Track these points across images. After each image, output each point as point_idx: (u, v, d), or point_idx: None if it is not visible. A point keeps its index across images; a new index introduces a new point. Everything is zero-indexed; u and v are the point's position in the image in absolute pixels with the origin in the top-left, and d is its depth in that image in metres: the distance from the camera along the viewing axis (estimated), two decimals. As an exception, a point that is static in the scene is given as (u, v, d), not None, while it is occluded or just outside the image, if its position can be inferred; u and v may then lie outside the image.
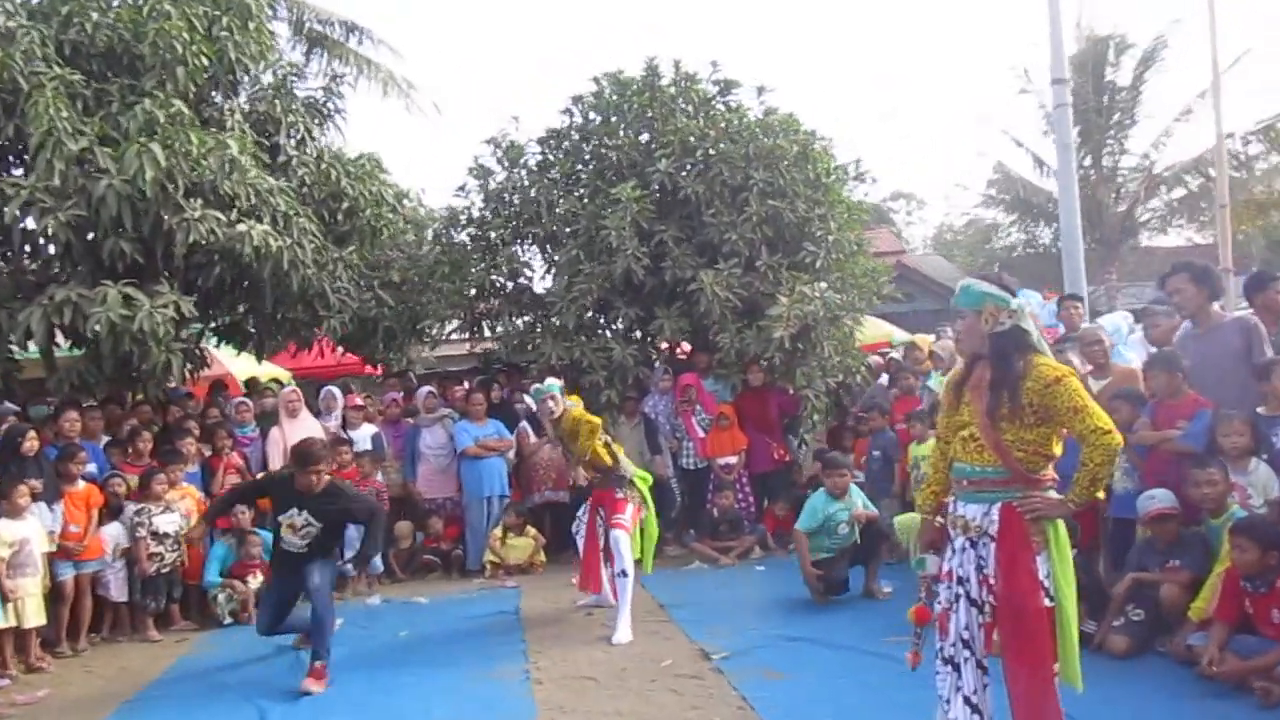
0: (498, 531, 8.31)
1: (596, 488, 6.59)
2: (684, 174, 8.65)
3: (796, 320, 8.21)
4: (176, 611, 7.09)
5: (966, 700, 3.45)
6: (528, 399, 7.35)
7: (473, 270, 9.25)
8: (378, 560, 7.92)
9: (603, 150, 8.94)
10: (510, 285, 9.38)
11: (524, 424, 8.85)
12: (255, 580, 7.14)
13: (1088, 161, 22.60)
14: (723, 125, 8.90)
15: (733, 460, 8.59)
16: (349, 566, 7.52)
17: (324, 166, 8.94)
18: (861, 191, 9.66)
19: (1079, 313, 7.80)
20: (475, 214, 9.53)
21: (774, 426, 8.89)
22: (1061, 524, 3.36)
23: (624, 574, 5.98)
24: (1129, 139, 23.38)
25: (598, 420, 6.41)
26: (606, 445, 6.38)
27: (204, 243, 7.14)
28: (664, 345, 9.18)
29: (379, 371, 11.28)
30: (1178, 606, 4.83)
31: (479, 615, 6.84)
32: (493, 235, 9.24)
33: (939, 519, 3.73)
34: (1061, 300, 8.07)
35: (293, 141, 8.78)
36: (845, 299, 8.66)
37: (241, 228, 7.26)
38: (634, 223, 8.28)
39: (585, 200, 8.86)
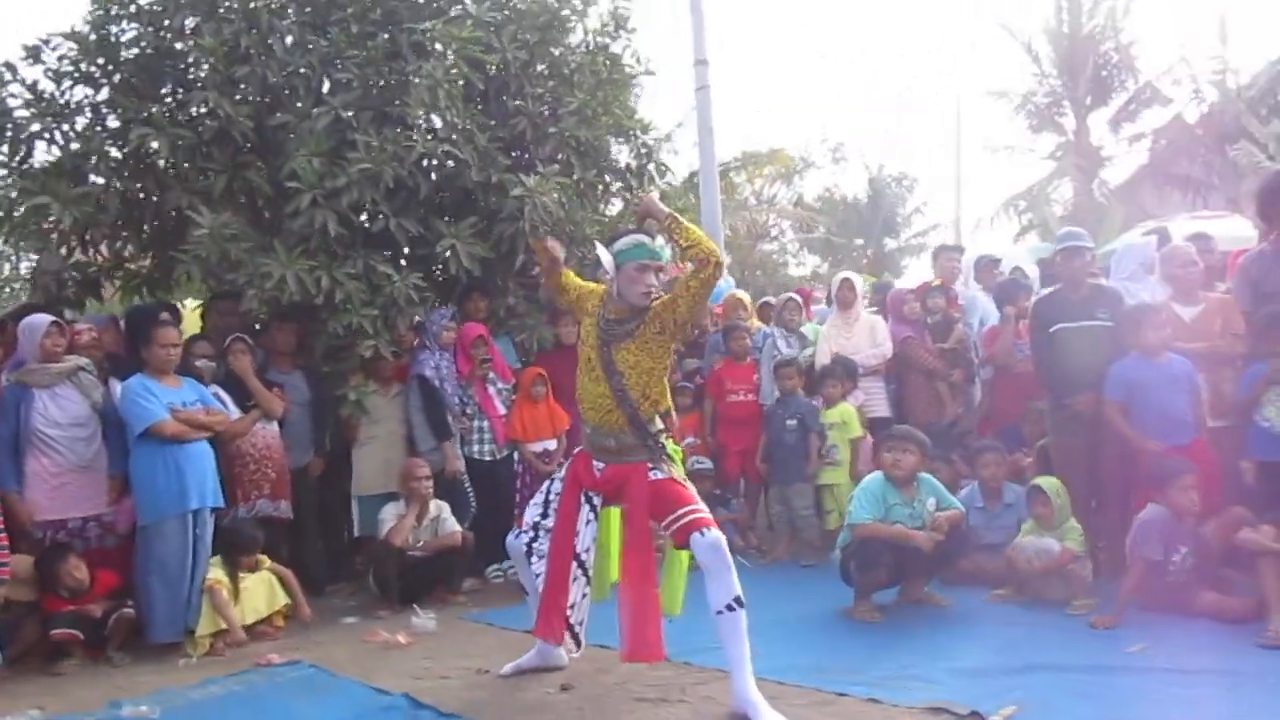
0: (219, 573, 4.72)
1: (607, 461, 3.66)
2: (499, 33, 5.95)
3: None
4: None
5: None
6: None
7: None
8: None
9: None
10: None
11: (215, 388, 5.29)
12: None
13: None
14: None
15: (552, 446, 6.03)
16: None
17: None
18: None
19: (958, 265, 7.09)
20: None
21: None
22: None
23: (738, 603, 3.41)
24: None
25: None
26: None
27: None
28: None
29: None
30: None
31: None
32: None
33: None
34: (938, 252, 7.26)
35: None
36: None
37: None
38: (465, 85, 5.45)
39: (358, 42, 5.60)
